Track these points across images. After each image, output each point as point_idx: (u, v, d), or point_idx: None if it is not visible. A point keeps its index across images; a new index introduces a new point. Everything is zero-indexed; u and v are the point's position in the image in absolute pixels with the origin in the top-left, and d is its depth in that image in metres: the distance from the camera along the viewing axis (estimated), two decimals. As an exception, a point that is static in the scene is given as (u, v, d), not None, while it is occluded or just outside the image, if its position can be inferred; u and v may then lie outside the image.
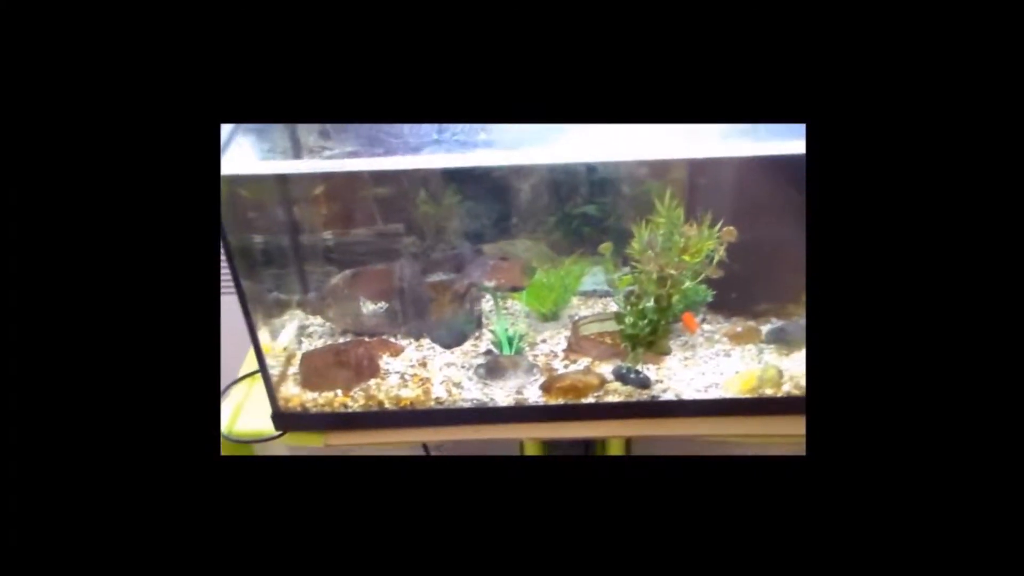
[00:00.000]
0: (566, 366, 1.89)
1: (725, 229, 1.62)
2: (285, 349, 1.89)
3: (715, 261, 1.64)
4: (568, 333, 1.99)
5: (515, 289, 1.89)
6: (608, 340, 1.94)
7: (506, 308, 2.07)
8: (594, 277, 2.08)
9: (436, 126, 1.46)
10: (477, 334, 1.99)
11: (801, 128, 1.56)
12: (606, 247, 1.75)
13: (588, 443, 2.50)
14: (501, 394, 1.81)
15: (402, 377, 1.85)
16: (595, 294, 2.14)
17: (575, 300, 2.12)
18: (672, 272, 1.63)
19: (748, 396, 1.80)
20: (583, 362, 1.90)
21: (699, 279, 1.68)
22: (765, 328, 2.01)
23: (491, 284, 1.85)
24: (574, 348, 1.93)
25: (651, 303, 1.70)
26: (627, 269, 1.80)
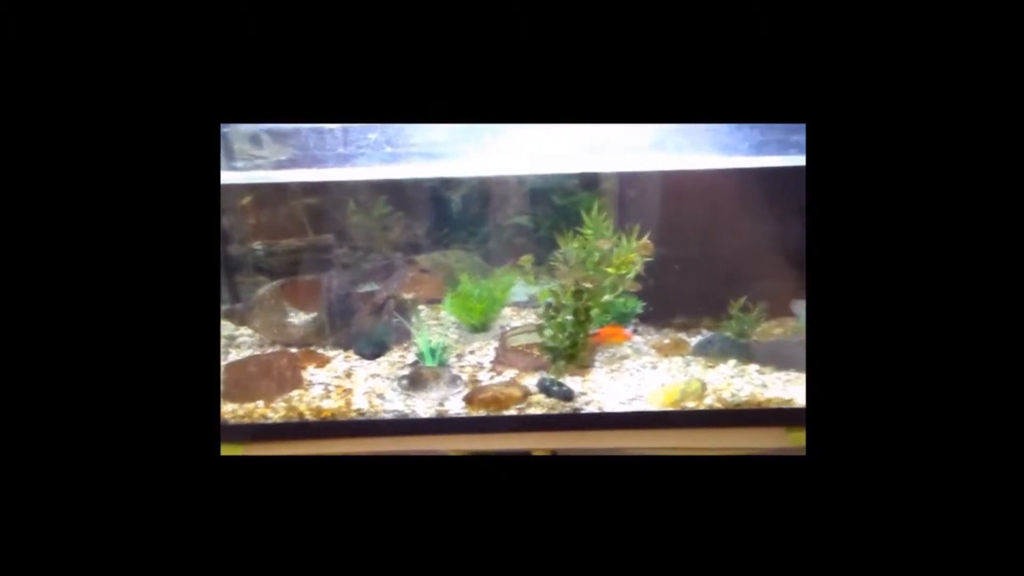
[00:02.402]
0: (492, 378, 1.89)
1: (641, 243, 1.63)
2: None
3: (631, 275, 1.64)
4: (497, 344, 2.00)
5: (434, 301, 1.89)
6: (536, 352, 1.94)
7: (437, 319, 2.07)
8: (529, 288, 2.09)
9: (342, 137, 1.46)
10: (406, 345, 1.99)
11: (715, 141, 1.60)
12: (526, 259, 1.75)
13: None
14: (423, 406, 1.81)
15: (325, 388, 1.85)
16: (529, 305, 2.15)
17: (508, 311, 2.13)
18: (588, 286, 1.63)
19: (670, 409, 1.80)
20: (510, 374, 1.90)
21: (617, 292, 1.68)
22: (694, 340, 2.02)
23: (410, 296, 1.85)
24: (501, 360, 1.93)
25: (571, 316, 1.70)
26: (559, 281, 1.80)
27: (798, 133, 1.45)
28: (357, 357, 1.96)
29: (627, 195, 1.99)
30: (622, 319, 1.98)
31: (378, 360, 1.95)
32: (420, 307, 2.08)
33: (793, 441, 1.83)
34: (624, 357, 1.97)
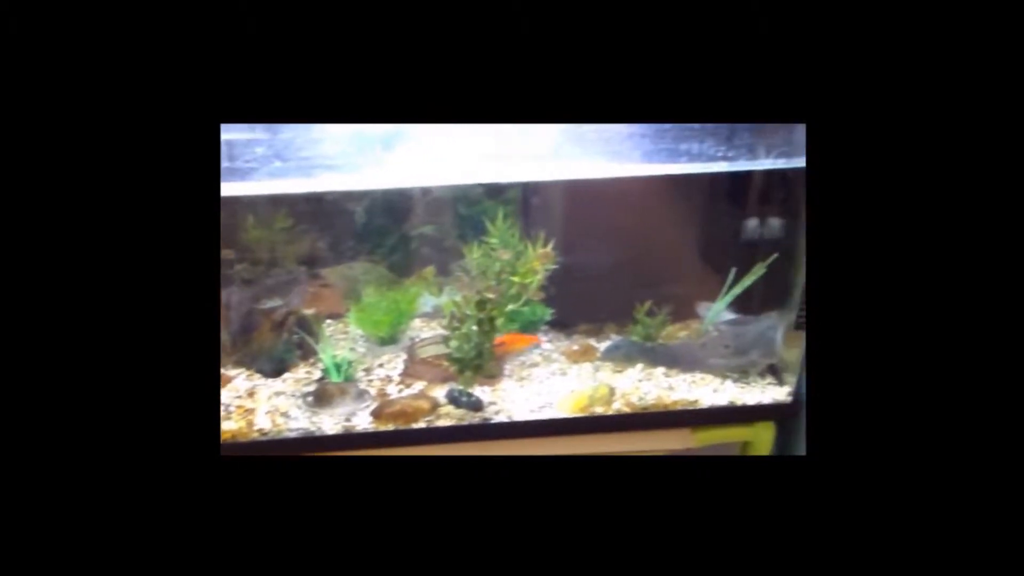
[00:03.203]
0: (400, 391, 1.87)
1: (541, 252, 1.64)
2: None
3: (534, 284, 1.64)
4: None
5: (336, 315, 1.86)
6: (445, 363, 1.93)
7: (345, 333, 2.03)
8: (434, 299, 2.06)
9: (227, 151, 1.42)
10: (312, 360, 1.94)
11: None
12: (428, 271, 1.74)
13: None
14: (330, 422, 1.77)
15: (226, 409, 1.79)
16: (436, 316, 2.12)
17: (418, 322, 2.10)
18: (490, 296, 1.63)
19: (579, 415, 1.82)
20: (419, 386, 1.88)
21: (521, 302, 1.69)
22: (603, 346, 2.03)
23: (311, 311, 1.81)
24: (409, 372, 1.91)
25: (475, 326, 1.70)
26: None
27: (687, 142, 1.49)
28: (260, 375, 1.91)
29: (531, 203, 2.00)
30: (530, 327, 1.98)
31: (283, 378, 1.90)
32: (327, 321, 2.04)
33: (699, 441, 1.87)
34: (534, 365, 1.97)
